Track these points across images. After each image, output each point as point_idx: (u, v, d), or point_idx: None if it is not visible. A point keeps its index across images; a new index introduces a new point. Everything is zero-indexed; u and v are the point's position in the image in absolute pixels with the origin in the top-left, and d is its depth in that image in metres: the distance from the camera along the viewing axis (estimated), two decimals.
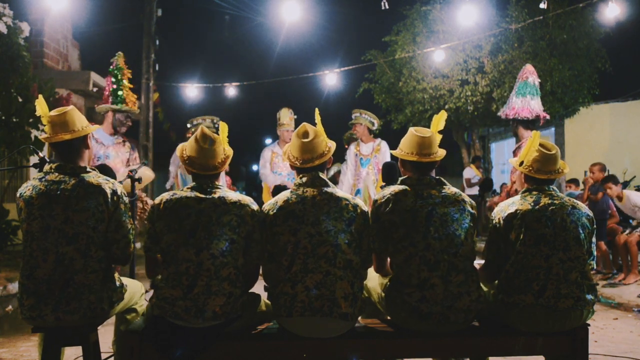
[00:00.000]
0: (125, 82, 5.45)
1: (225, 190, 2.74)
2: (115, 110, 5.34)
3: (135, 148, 5.73)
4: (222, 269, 2.57)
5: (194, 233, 2.57)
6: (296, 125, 7.03)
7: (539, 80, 5.15)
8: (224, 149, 2.81)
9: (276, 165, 7.11)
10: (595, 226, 2.88)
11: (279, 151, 6.99)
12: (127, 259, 2.79)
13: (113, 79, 5.39)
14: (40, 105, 2.84)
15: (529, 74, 4.97)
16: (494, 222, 2.90)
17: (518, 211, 2.81)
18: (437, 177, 2.88)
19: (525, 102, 4.84)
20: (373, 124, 7.04)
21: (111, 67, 5.47)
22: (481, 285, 2.83)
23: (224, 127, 2.87)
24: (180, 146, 2.84)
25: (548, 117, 5.03)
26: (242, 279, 2.66)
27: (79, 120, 2.81)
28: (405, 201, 2.76)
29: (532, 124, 4.89)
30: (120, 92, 5.35)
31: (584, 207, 2.87)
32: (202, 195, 2.65)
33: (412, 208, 2.74)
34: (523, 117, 4.81)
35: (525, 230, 2.76)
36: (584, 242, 2.78)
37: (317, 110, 2.95)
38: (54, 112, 2.78)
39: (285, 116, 7.09)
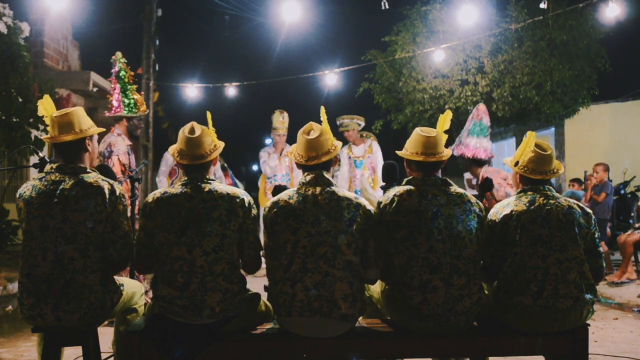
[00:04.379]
0: (132, 85, 5.43)
1: (216, 183, 2.73)
2: (129, 118, 5.37)
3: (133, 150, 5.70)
4: (215, 265, 2.58)
5: (185, 231, 2.58)
6: (291, 128, 7.21)
7: (490, 123, 5.19)
8: (212, 139, 2.81)
9: (270, 167, 7.42)
10: (595, 225, 2.87)
11: (273, 154, 7.40)
12: (123, 261, 2.74)
13: (120, 85, 5.35)
14: (44, 105, 2.83)
15: (483, 115, 5.04)
16: (489, 223, 2.89)
17: (513, 212, 2.81)
18: (443, 178, 2.86)
19: (479, 143, 4.93)
20: (360, 125, 7.23)
21: (113, 70, 5.41)
22: (483, 286, 2.82)
23: (209, 117, 2.90)
24: (170, 147, 2.86)
25: (494, 156, 5.10)
26: (239, 273, 2.67)
27: (83, 122, 2.80)
28: (410, 202, 2.75)
29: (484, 163, 4.96)
30: (131, 99, 5.34)
31: (580, 207, 2.87)
32: (192, 192, 2.65)
33: (416, 209, 2.73)
34: (479, 158, 4.89)
35: (521, 231, 2.75)
36: (580, 242, 2.77)
37: (322, 109, 2.95)
38: (57, 113, 2.78)
39: (277, 120, 7.22)
